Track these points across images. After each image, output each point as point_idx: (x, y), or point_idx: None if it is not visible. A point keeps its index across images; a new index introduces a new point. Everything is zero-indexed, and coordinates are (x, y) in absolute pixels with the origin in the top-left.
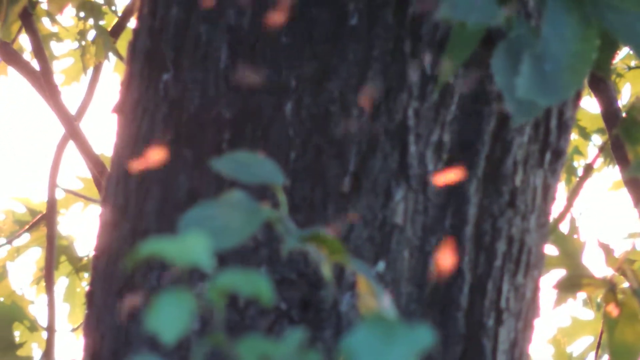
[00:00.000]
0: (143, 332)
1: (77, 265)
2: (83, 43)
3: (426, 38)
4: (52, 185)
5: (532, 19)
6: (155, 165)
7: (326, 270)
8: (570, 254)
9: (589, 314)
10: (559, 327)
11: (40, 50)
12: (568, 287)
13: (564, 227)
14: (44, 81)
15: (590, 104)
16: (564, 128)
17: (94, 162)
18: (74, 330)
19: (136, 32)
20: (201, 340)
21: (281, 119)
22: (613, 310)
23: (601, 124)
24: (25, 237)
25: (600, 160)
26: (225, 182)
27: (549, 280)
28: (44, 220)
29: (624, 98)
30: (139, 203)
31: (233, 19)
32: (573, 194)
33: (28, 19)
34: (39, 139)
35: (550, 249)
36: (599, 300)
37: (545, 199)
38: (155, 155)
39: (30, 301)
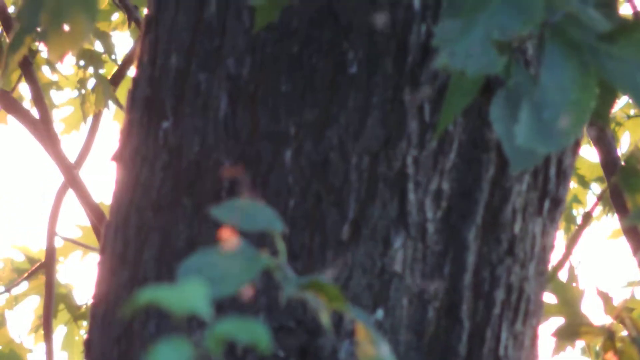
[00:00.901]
0: None
1: (76, 314)
2: (83, 91)
3: (425, 86)
4: (51, 234)
5: (530, 66)
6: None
7: (325, 318)
8: (569, 302)
9: None
10: None
11: (40, 98)
12: (567, 335)
13: (562, 275)
14: (43, 130)
15: (589, 153)
16: (563, 176)
17: (93, 210)
18: None
19: (136, 80)
20: None
21: (280, 167)
22: (612, 358)
23: (600, 172)
24: (24, 286)
25: (599, 208)
26: None
27: (547, 329)
28: (43, 269)
29: (623, 147)
30: (137, 251)
31: (232, 68)
32: (572, 242)
33: (28, 68)
34: (38, 187)
35: (549, 297)
36: (597, 348)
37: (544, 247)
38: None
39: (28, 349)
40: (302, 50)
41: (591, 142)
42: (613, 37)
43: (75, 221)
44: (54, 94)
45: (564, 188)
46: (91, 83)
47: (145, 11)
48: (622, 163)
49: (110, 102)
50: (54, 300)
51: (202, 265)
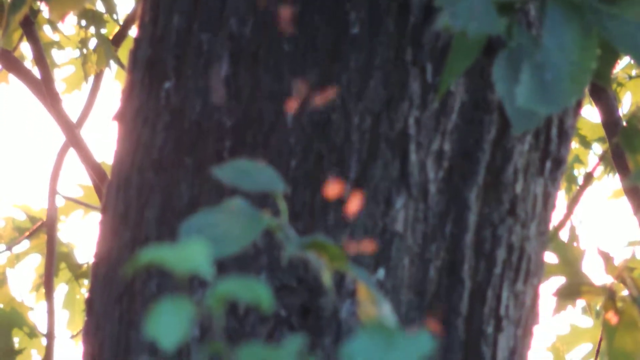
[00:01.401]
0: (143, 339)
1: (77, 272)
2: (84, 51)
3: (427, 47)
4: (52, 193)
5: (533, 28)
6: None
7: (326, 278)
8: (570, 261)
9: (588, 322)
10: (558, 334)
11: (41, 58)
12: (567, 294)
13: (563, 235)
14: (45, 89)
15: (590, 113)
16: (564, 137)
17: (95, 169)
18: (73, 336)
19: (137, 40)
20: (201, 347)
21: (282, 127)
22: (612, 317)
23: (602, 133)
24: (25, 244)
25: (601, 168)
26: (226, 190)
27: (548, 288)
28: (44, 228)
29: (625, 107)
30: (139, 211)
31: (235, 28)
32: (573, 202)
33: (29, 27)
34: (40, 146)
35: (550, 257)
36: (598, 307)
37: (545, 207)
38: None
39: (29, 308)
40: (304, 10)
41: (592, 102)
42: None
43: (76, 180)
44: (55, 54)
45: (565, 148)
46: (93, 43)
47: None
48: (624, 123)
49: (111, 62)
50: (55, 259)
51: (204, 225)
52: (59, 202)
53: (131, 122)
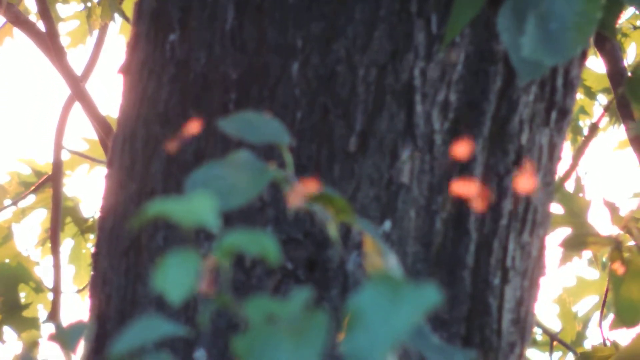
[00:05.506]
0: (149, 293)
1: (83, 227)
2: (89, 5)
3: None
4: (58, 147)
5: None
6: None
7: (332, 230)
8: (576, 212)
9: (594, 274)
10: (565, 286)
11: (46, 12)
12: (574, 245)
13: (569, 186)
14: (50, 43)
15: (595, 64)
16: (569, 87)
17: (100, 123)
18: (79, 291)
19: None
20: (207, 300)
21: (287, 79)
22: (619, 268)
23: (607, 83)
24: (31, 199)
25: (606, 119)
26: (231, 142)
27: (554, 239)
28: (50, 182)
29: (630, 57)
30: (145, 164)
31: None
32: (578, 153)
33: None
34: (45, 100)
35: (555, 208)
36: (604, 259)
37: (551, 158)
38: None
39: (35, 262)
40: None
41: (597, 53)
42: None
43: (82, 134)
44: (59, 8)
45: (570, 99)
46: None
47: None
48: (629, 74)
49: (116, 15)
50: (60, 213)
51: (210, 177)
52: (65, 156)
53: (136, 75)
